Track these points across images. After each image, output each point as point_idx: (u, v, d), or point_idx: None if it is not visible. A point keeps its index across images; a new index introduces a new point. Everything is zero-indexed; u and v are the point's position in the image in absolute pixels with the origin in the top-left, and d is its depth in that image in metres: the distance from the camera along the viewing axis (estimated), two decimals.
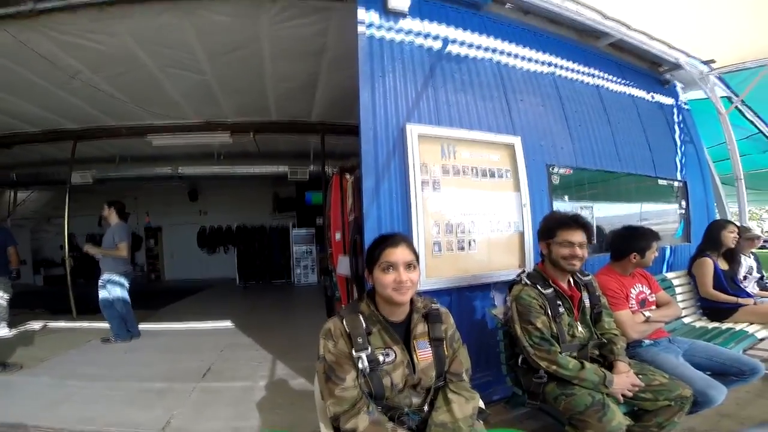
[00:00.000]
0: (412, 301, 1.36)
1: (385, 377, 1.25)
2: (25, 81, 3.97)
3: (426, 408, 1.31)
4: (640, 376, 1.63)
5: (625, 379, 1.58)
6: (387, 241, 1.32)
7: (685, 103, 4.33)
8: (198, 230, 10.33)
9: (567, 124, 3.10)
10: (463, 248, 2.39)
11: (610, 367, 1.70)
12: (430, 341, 1.34)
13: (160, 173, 7.37)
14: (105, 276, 4.01)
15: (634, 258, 2.08)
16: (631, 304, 2.08)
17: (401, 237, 1.34)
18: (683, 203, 3.86)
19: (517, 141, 2.69)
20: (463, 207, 2.43)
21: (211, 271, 10.13)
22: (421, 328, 1.35)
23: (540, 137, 2.89)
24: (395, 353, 1.28)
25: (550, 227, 1.79)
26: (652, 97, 3.98)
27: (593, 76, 3.49)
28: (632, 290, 2.12)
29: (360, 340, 1.25)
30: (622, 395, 1.57)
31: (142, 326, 4.43)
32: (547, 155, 2.88)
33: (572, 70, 3.34)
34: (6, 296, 3.60)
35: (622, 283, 2.11)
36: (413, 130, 2.34)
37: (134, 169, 7.35)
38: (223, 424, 2.30)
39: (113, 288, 4.00)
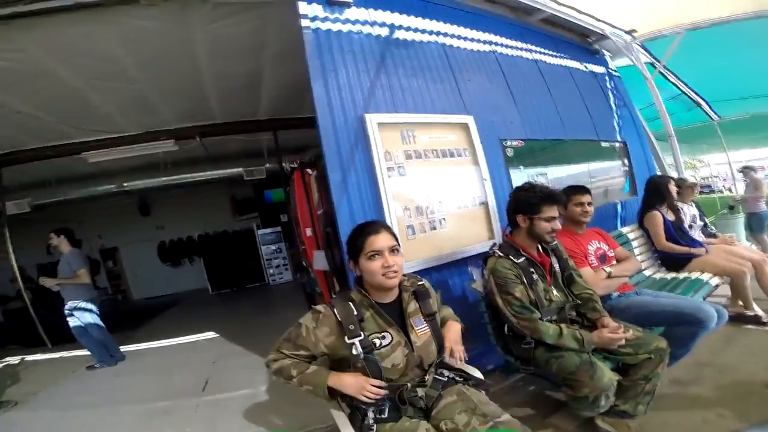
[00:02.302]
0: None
1: (384, 360, 1.30)
2: None
3: (427, 378, 1.37)
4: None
5: (606, 335, 1.64)
6: (367, 229, 1.37)
7: (615, 71, 4.66)
8: (158, 245, 9.82)
9: (513, 99, 3.25)
10: (435, 228, 2.48)
11: (590, 326, 1.80)
12: (425, 317, 1.41)
13: (103, 191, 6.89)
14: (70, 304, 3.82)
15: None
16: (591, 261, 2.20)
17: (380, 224, 1.40)
18: (626, 161, 4.17)
19: (470, 120, 2.78)
20: (429, 188, 2.50)
21: (180, 284, 9.73)
22: (413, 305, 1.42)
23: (491, 114, 3.00)
24: (391, 335, 1.33)
25: (534, 203, 1.79)
26: (586, 67, 4.25)
27: (531, 51, 3.66)
28: (589, 247, 2.25)
29: (352, 327, 1.29)
30: (607, 351, 1.67)
31: (124, 348, 4.31)
32: (499, 130, 3.01)
33: (511, 47, 3.48)
34: None
35: (578, 241, 2.23)
36: (372, 119, 2.36)
37: (74, 191, 6.80)
38: None
39: (82, 315, 3.83)
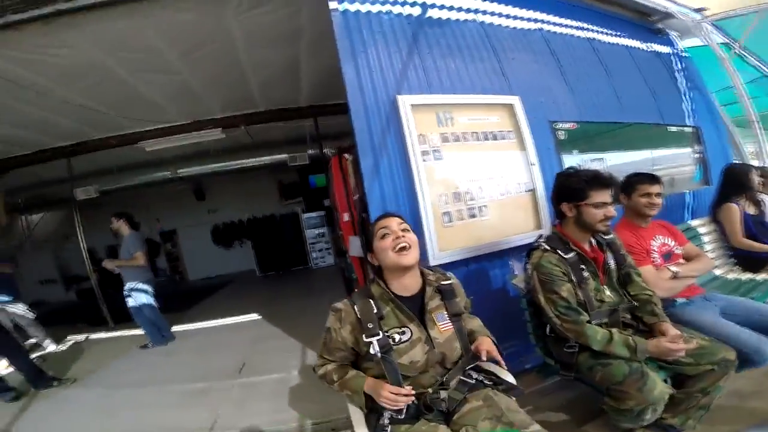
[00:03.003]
0: (423, 273, 1.39)
1: (402, 356, 1.26)
2: None
3: (447, 379, 1.30)
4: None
5: (664, 344, 1.44)
6: (379, 218, 1.42)
7: (684, 51, 4.19)
8: (211, 228, 10.46)
9: (564, 79, 3.00)
10: (474, 215, 2.33)
11: (646, 331, 1.60)
12: (450, 316, 1.35)
13: (160, 177, 7.42)
14: (128, 285, 4.11)
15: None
16: (654, 258, 1.95)
17: (391, 212, 1.44)
18: (697, 147, 3.73)
19: (515, 100, 2.58)
20: (469, 173, 2.36)
21: (231, 266, 10.27)
22: (435, 302, 1.37)
23: (539, 94, 2.77)
24: (411, 331, 1.29)
25: (580, 188, 1.59)
26: (648, 47, 3.86)
27: (582, 29, 3.37)
28: (653, 242, 2.00)
29: (371, 325, 1.26)
30: (663, 360, 1.48)
31: (175, 328, 4.63)
32: (548, 112, 2.78)
33: (560, 25, 3.23)
34: (29, 313, 3.98)
35: (640, 235, 1.99)
36: (405, 101, 2.25)
37: (135, 177, 7.37)
38: (266, 418, 2.38)
39: (138, 296, 4.11)
